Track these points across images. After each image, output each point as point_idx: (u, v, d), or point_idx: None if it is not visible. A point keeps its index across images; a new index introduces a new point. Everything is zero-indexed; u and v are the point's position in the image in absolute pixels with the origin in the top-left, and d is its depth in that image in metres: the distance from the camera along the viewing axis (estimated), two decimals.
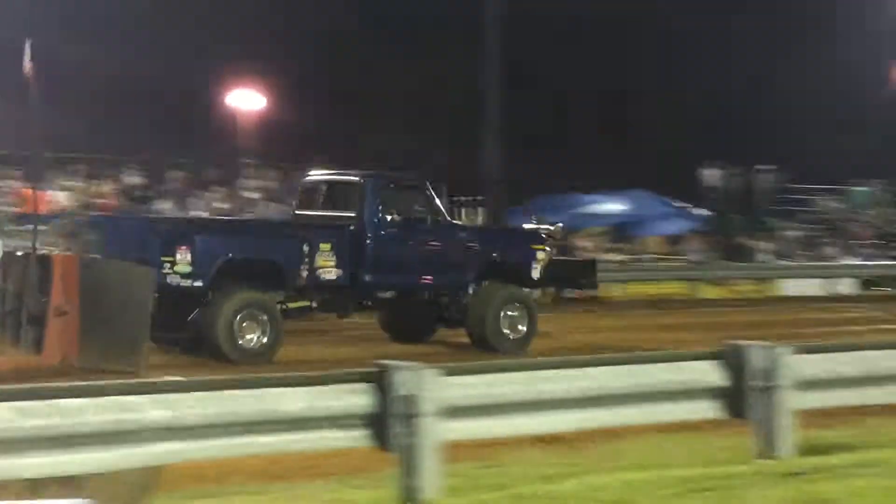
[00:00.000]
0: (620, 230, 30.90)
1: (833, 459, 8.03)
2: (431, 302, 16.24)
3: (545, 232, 17.60)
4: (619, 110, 43.88)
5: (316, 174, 17.36)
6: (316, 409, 6.81)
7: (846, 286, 30.60)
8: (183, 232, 14.70)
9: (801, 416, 8.90)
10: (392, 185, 16.05)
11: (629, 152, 39.49)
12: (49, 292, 12.77)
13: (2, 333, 13.35)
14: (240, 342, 14.09)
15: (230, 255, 14.57)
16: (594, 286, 19.69)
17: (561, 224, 19.95)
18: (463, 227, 17.46)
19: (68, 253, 13.81)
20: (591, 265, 18.90)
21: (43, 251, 13.66)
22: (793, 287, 29.90)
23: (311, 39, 38.89)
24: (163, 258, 13.91)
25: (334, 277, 15.10)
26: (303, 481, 7.61)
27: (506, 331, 15.83)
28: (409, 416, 6.88)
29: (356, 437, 7.00)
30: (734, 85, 43.72)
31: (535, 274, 16.46)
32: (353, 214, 15.51)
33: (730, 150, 34.33)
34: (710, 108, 42.76)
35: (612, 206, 30.66)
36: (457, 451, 7.80)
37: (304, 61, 38.15)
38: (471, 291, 16.01)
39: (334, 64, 40.11)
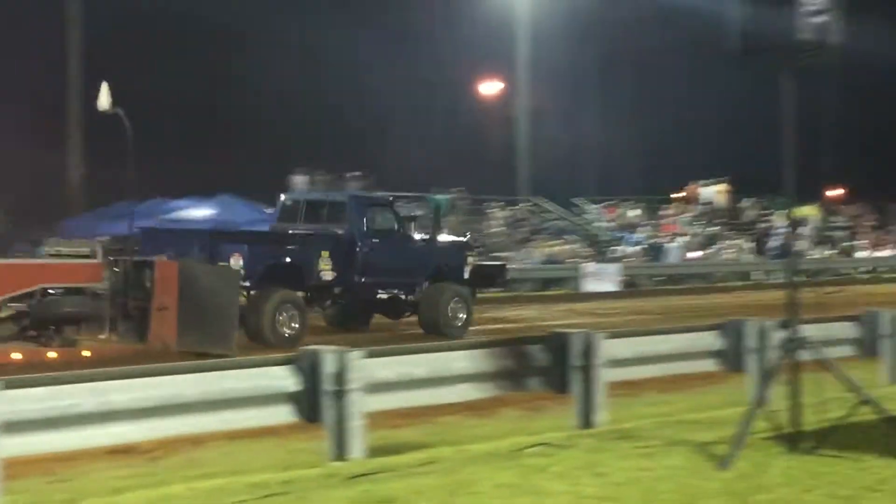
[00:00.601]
0: None
1: (401, 459, 8.34)
2: (391, 298, 19.47)
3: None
4: (209, 116, 43.64)
5: (297, 193, 22.02)
6: (252, 390, 8.03)
7: None
8: (236, 241, 18.20)
9: (382, 416, 9.27)
10: (370, 203, 20.10)
11: (219, 158, 39.37)
12: (151, 291, 15.16)
13: (110, 327, 15.25)
14: (279, 331, 17.00)
15: (272, 260, 17.95)
16: (506, 284, 23.46)
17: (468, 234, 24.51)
18: (420, 238, 20.23)
19: (165, 259, 15.78)
20: (502, 268, 22.75)
21: (142, 258, 15.87)
22: None
23: None
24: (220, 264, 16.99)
25: (330, 279, 18.45)
26: None
27: (452, 319, 19.10)
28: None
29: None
30: (327, 95, 44.63)
31: (466, 275, 20.10)
32: (340, 228, 18.94)
33: (321, 157, 35.08)
34: (304, 116, 43.48)
35: (199, 212, 30.28)
36: (25, 467, 7.49)
37: None
38: (422, 289, 19.48)
39: None
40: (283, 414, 8.41)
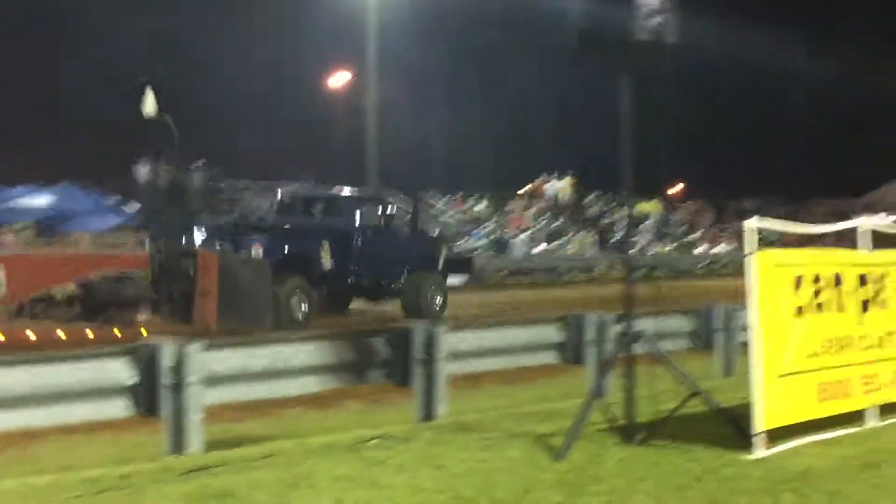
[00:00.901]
0: (47, 225, 29.73)
1: (240, 452, 8.26)
2: (377, 285, 21.54)
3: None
4: (51, 105, 42.52)
5: (293, 188, 23.81)
6: (88, 383, 7.93)
7: None
8: (254, 232, 20.09)
9: (224, 409, 9.17)
10: (362, 200, 22.55)
11: (62, 146, 38.37)
12: (196, 279, 17.31)
13: (159, 310, 17.40)
14: (293, 314, 18.69)
15: (285, 251, 19.81)
16: (474, 275, 26.18)
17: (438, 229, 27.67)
18: (404, 231, 22.53)
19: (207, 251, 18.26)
20: (470, 260, 26.57)
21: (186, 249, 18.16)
22: None
23: None
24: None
25: (329, 267, 20.46)
26: None
27: (431, 304, 21.38)
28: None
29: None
30: (177, 84, 43.87)
31: (440, 265, 22.63)
32: (337, 222, 21.23)
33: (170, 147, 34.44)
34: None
35: (37, 201, 29.43)
36: None
37: None
38: (405, 277, 21.65)
39: None
40: (120, 408, 8.24)
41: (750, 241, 8.12)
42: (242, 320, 16.71)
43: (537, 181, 50.52)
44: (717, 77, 63.19)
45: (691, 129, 62.20)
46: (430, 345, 9.87)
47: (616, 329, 10.07)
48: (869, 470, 7.85)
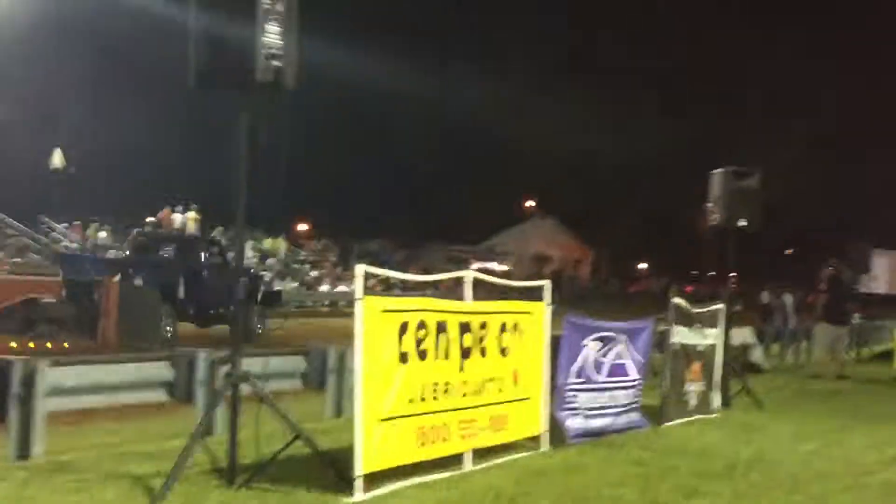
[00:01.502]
0: None
1: None
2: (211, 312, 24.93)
3: None
4: None
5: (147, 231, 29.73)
6: None
7: None
8: (140, 268, 24.71)
9: None
10: (206, 241, 28.52)
11: None
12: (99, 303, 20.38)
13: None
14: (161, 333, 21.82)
15: (159, 282, 23.63)
16: (282, 305, 31.64)
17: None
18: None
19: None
20: (279, 293, 32.18)
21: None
22: None
23: None
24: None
25: (182, 297, 24.35)
26: None
27: (254, 329, 25.55)
28: None
29: None
30: None
31: (260, 297, 26.94)
32: (186, 260, 25.61)
33: None
34: None
35: None
36: None
37: None
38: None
39: None
40: None
41: (358, 286, 8.26)
42: (135, 336, 19.53)
43: (165, 210, 49.52)
44: (346, 119, 64.69)
45: (320, 168, 63.29)
46: (29, 380, 9.39)
47: (224, 368, 9.98)
48: None
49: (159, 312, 21.81)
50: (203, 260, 25.65)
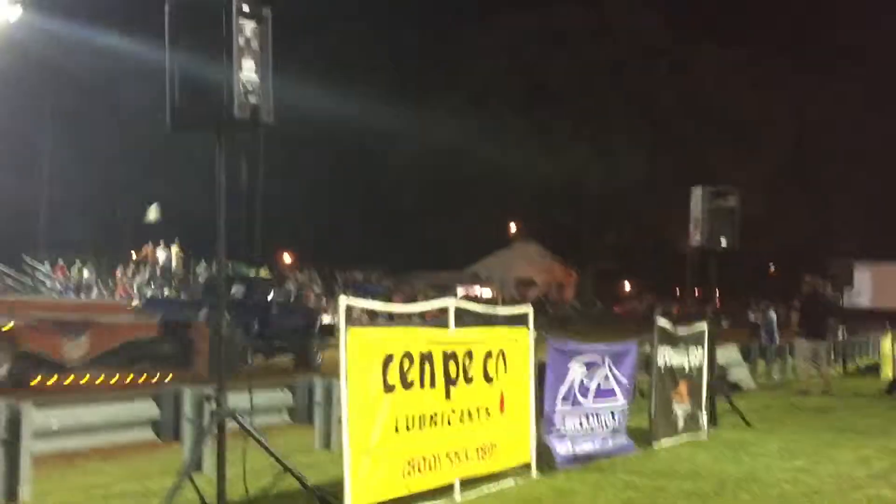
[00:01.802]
0: None
1: None
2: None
3: None
4: None
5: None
6: None
7: None
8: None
9: None
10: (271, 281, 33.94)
11: None
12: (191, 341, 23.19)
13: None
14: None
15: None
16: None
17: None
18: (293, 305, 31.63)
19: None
20: (333, 326, 30.74)
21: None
22: None
23: None
24: None
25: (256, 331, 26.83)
26: None
27: (314, 360, 28.03)
28: None
29: None
30: None
31: (317, 331, 29.22)
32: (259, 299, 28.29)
33: None
34: None
35: None
36: None
37: None
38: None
39: None
40: None
41: (342, 318, 8.26)
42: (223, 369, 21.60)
43: (148, 246, 49.44)
44: (328, 148, 64.69)
45: (303, 199, 63.25)
46: (14, 422, 9.34)
47: (210, 405, 9.93)
48: None
49: (244, 347, 24.44)
50: (269, 299, 28.37)
